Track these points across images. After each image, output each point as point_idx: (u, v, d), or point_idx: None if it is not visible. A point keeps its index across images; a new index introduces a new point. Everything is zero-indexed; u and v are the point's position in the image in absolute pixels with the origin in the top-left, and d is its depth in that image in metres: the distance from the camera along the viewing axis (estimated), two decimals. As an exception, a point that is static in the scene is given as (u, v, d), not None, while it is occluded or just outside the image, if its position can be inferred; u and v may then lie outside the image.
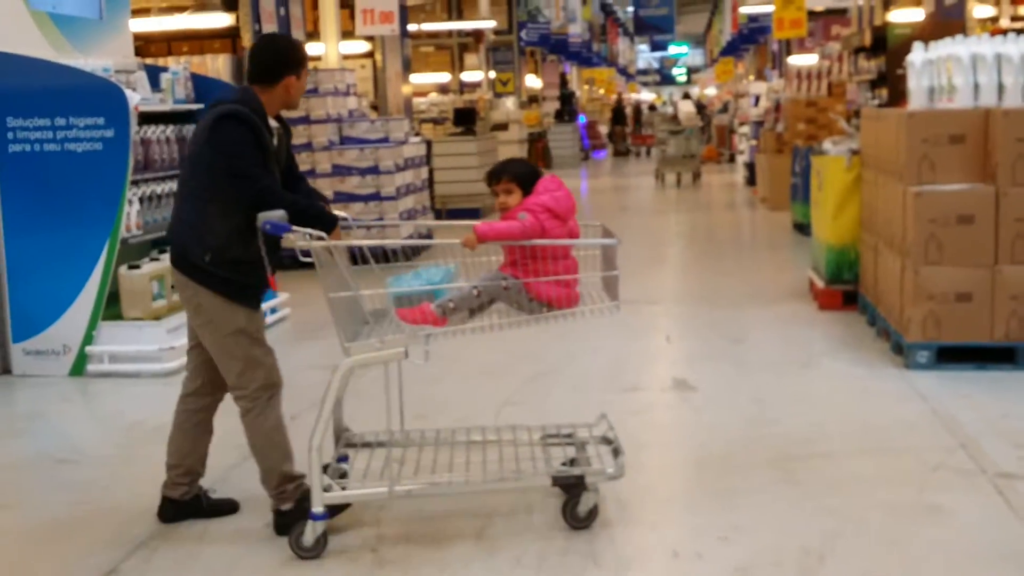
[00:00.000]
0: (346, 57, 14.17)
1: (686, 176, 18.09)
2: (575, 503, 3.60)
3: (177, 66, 7.39)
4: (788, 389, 5.32)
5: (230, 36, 9.76)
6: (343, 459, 3.93)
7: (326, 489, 3.47)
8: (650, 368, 5.96)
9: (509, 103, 20.61)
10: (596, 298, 3.81)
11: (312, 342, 6.96)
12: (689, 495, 4.03)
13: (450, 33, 23.69)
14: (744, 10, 20.73)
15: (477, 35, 21.85)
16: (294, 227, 3.38)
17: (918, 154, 5.50)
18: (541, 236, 3.63)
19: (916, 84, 5.80)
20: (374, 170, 9.85)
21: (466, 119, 14.89)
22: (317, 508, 3.46)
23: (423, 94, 22.71)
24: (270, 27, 10.20)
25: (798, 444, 4.43)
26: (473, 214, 13.48)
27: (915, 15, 11.16)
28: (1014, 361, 5.39)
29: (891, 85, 9.06)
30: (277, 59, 3.63)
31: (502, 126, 17.30)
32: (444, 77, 25.23)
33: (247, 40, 9.68)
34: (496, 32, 22.43)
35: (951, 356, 5.48)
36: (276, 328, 7.39)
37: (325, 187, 9.84)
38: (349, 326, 3.62)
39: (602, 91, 36.79)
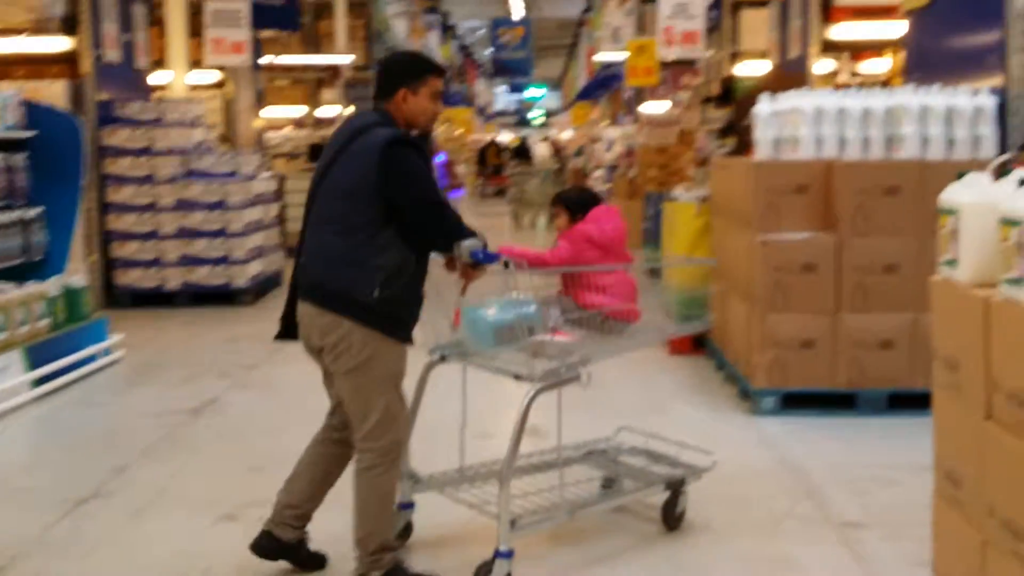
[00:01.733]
0: (195, 87, 13.70)
1: (542, 218, 18.23)
2: (674, 504, 3.90)
3: (8, 91, 6.97)
4: (641, 436, 5.27)
5: (69, 61, 9.27)
6: (406, 505, 3.81)
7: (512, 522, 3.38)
8: (502, 415, 5.81)
9: (366, 140, 20.36)
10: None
11: (144, 387, 6.59)
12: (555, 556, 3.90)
13: (306, 67, 23.34)
14: (598, 57, 21.15)
15: (334, 70, 21.58)
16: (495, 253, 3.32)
17: (765, 203, 5.60)
18: (575, 263, 3.83)
19: (763, 135, 5.92)
20: (221, 205, 9.48)
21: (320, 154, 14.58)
22: (506, 546, 3.35)
23: (278, 128, 22.22)
24: (113, 53, 9.74)
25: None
26: (326, 252, 13.18)
27: (761, 67, 11.54)
28: (855, 407, 5.51)
29: (738, 135, 9.28)
30: (390, 71, 3.45)
31: (358, 163, 17.04)
32: (300, 111, 24.81)
33: (87, 66, 9.21)
34: (354, 67, 22.21)
35: (796, 402, 5.56)
36: (108, 371, 6.96)
37: (168, 223, 9.43)
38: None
39: (460, 131, 36.92)
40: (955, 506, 2.82)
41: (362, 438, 3.39)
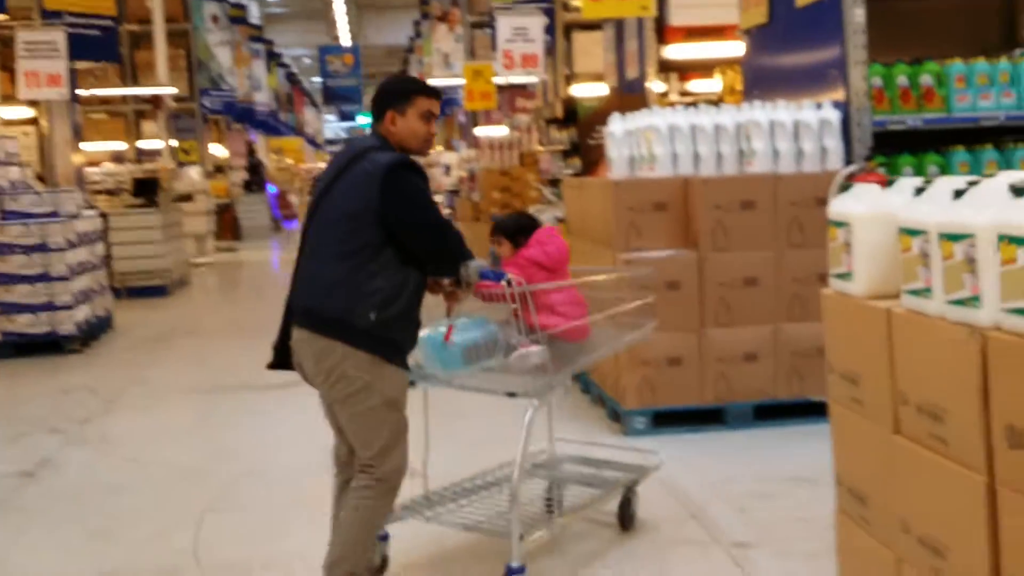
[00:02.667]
0: (7, 123, 12.80)
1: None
2: (629, 505, 4.08)
3: None
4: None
5: None
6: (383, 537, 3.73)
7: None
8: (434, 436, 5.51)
9: (194, 172, 19.60)
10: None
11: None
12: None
13: (125, 98, 22.30)
14: (433, 82, 21.05)
15: (155, 101, 20.67)
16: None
17: (625, 222, 5.55)
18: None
19: (617, 153, 5.88)
20: (42, 247, 8.79)
21: (147, 190, 13.86)
22: (518, 562, 3.39)
23: (96, 163, 21.10)
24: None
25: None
26: (159, 292, 12.50)
27: (596, 89, 11.67)
28: (724, 422, 5.51)
29: (583, 155, 9.33)
30: (378, 94, 3.41)
31: (187, 197, 16.34)
32: (120, 145, 23.67)
33: None
34: (176, 99, 21.34)
35: (666, 420, 5.51)
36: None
37: (-18, 267, 8.66)
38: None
39: (290, 160, 36.17)
40: (862, 524, 2.75)
41: (366, 461, 3.28)
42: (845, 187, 2.83)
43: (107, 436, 6.12)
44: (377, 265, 3.19)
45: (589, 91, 12.17)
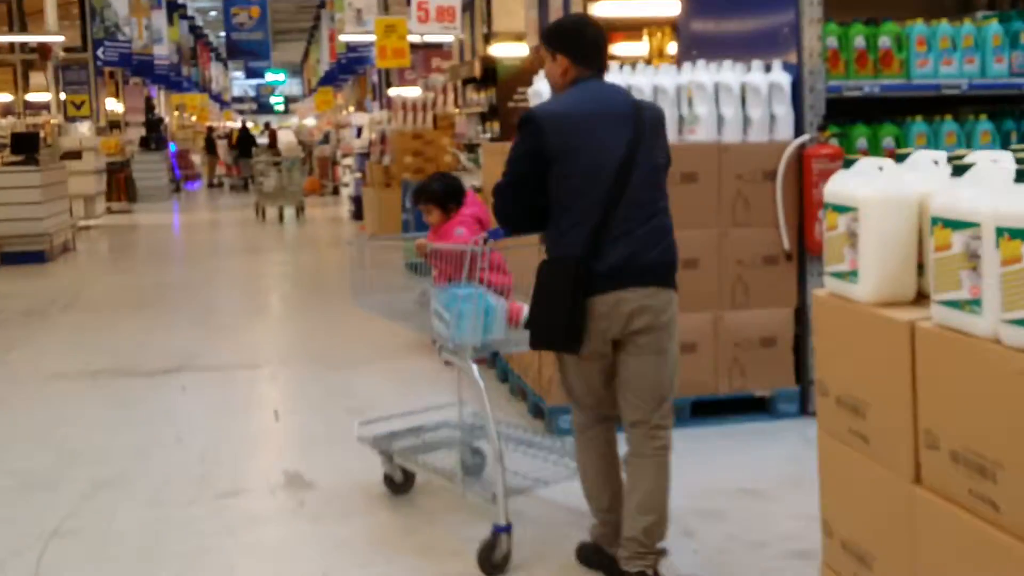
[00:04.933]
0: None
1: (289, 210, 16.99)
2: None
3: None
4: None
5: None
6: None
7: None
8: (253, 459, 4.80)
9: (84, 128, 18.34)
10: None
11: None
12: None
13: (12, 47, 20.81)
14: (344, 38, 20.04)
15: (44, 51, 19.29)
16: None
17: (551, 193, 4.90)
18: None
19: (543, 116, 5.22)
20: None
21: (27, 146, 12.72)
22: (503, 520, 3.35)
23: (-23, 116, 19.66)
24: None
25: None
26: (37, 258, 11.48)
27: (518, 50, 10.98)
28: (659, 420, 4.93)
29: (502, 118, 8.65)
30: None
31: (75, 154, 15.17)
32: (6, 98, 22.17)
33: None
34: (67, 49, 19.95)
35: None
36: None
37: None
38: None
39: (194, 118, 34.63)
40: (862, 589, 2.17)
41: (659, 417, 3.21)
42: (848, 162, 2.22)
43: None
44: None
45: (509, 51, 11.47)
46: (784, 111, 5.01)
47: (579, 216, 3.08)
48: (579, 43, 3.31)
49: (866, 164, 2.20)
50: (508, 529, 3.36)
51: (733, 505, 3.98)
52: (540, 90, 5.29)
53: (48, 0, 18.28)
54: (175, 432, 5.05)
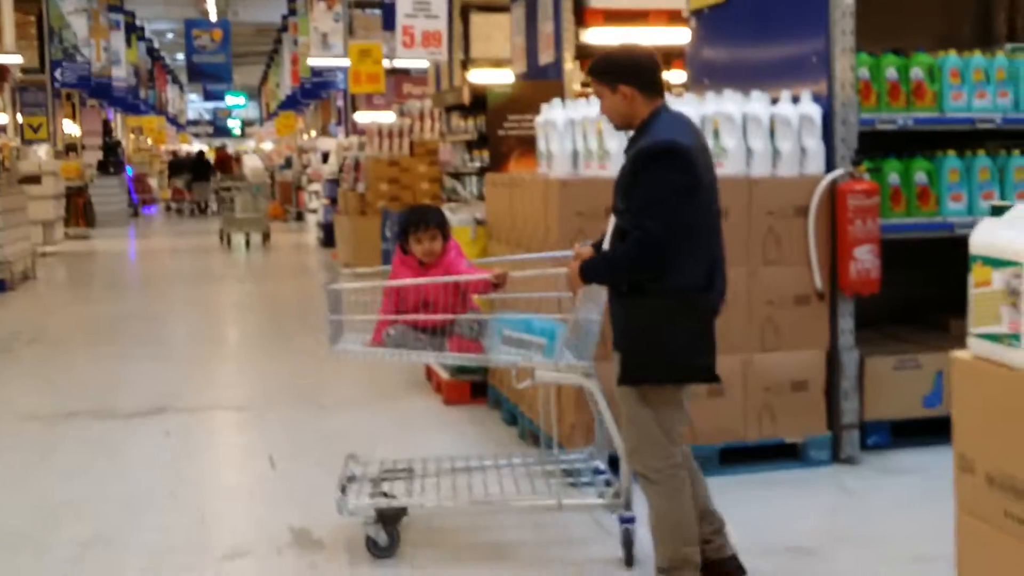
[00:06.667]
0: None
1: (255, 237, 16.55)
2: None
3: None
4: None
5: None
6: None
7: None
8: (254, 514, 4.42)
9: (42, 152, 17.80)
10: None
11: None
12: None
13: (-35, 68, 20.18)
14: (312, 62, 19.69)
15: (1, 72, 18.73)
16: None
17: (572, 228, 4.63)
18: None
19: (559, 148, 4.97)
20: None
21: (-15, 170, 12.24)
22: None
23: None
24: None
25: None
26: (-3, 287, 10.98)
27: (499, 76, 10.72)
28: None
29: (492, 146, 8.36)
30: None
31: (34, 179, 14.65)
32: (-42, 119, 21.48)
33: None
34: (24, 70, 19.41)
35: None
36: None
37: None
38: None
39: (151, 141, 34.00)
40: None
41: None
42: (998, 210, 1.97)
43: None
44: None
45: (489, 78, 11.22)
46: (815, 144, 4.79)
47: (696, 248, 3.15)
48: (639, 71, 3.20)
49: (1020, 212, 1.95)
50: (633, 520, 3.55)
51: (787, 567, 3.71)
52: (553, 119, 5.04)
53: (6, 20, 17.76)
54: (166, 484, 4.67)
